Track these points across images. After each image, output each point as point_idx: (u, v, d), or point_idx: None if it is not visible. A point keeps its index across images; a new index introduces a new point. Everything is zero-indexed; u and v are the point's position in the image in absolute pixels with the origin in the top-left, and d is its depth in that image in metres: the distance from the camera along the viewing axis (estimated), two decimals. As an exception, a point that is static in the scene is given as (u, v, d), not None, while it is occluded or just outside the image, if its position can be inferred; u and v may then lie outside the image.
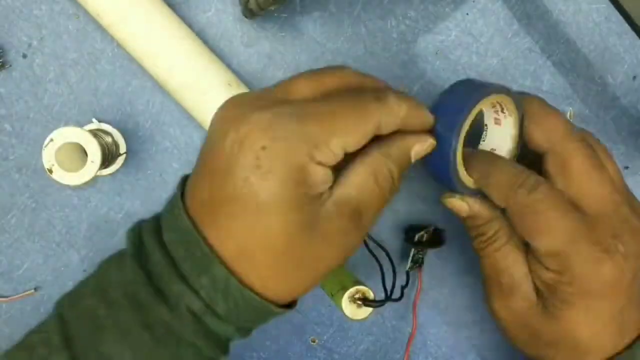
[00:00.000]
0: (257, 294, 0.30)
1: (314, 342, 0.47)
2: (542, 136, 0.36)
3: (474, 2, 0.44)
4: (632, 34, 0.43)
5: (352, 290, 0.39)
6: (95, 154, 0.38)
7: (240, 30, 0.43)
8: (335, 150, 0.30)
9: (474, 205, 0.37)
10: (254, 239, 0.29)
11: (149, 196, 0.44)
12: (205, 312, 0.30)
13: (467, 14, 0.44)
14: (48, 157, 0.38)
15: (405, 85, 0.44)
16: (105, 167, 0.43)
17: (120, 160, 0.43)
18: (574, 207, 0.34)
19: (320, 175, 0.30)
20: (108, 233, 0.45)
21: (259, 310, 0.31)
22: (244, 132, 0.29)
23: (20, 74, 0.43)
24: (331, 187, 0.30)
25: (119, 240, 0.45)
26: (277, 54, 0.44)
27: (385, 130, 0.31)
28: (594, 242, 0.33)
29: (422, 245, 0.44)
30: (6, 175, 0.44)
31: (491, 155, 0.37)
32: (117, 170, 0.44)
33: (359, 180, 0.31)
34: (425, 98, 0.44)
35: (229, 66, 0.43)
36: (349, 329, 0.47)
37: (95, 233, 0.45)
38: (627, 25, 0.39)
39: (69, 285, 0.45)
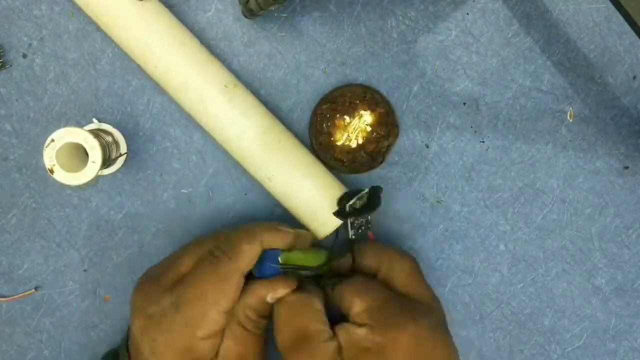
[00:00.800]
0: None
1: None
2: (370, 261, 0.41)
3: (474, 2, 0.44)
4: (632, 34, 0.43)
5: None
6: (96, 154, 0.38)
7: (240, 30, 0.43)
8: (215, 318, 0.37)
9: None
10: None
11: (149, 196, 0.44)
12: None
13: (467, 13, 0.44)
14: (49, 158, 0.38)
15: (406, 85, 0.44)
16: (106, 167, 0.43)
17: (120, 160, 0.43)
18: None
19: (207, 347, 0.37)
20: (108, 233, 0.45)
21: None
22: (141, 324, 0.37)
23: (20, 74, 0.43)
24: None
25: (119, 240, 0.45)
26: (277, 54, 0.44)
27: (254, 260, 0.39)
28: (399, 312, 0.38)
29: (356, 214, 0.41)
30: (6, 175, 0.44)
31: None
32: (118, 170, 0.44)
33: (231, 332, 0.38)
34: (425, 98, 0.45)
35: (229, 66, 0.43)
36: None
37: (95, 233, 0.45)
38: (627, 25, 0.39)
39: (69, 285, 0.45)
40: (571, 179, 0.46)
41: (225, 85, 0.41)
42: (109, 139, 0.42)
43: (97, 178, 0.43)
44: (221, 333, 0.38)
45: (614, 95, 0.45)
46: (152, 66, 0.41)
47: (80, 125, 0.43)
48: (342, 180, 0.44)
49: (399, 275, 0.40)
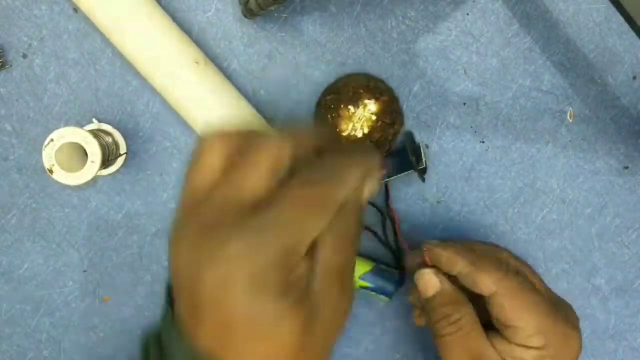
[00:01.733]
0: None
1: (314, 342, 0.47)
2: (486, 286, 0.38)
3: (474, 2, 0.44)
4: (632, 34, 0.43)
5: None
6: (95, 154, 0.38)
7: (240, 30, 0.43)
8: (313, 233, 0.27)
9: (445, 283, 0.38)
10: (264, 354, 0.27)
11: (149, 196, 0.44)
12: None
13: (467, 14, 0.44)
14: (48, 157, 0.38)
15: (406, 85, 0.44)
16: (106, 167, 0.43)
17: (120, 161, 0.43)
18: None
19: (304, 267, 0.28)
20: (108, 233, 0.45)
21: None
22: (223, 273, 0.26)
23: (20, 74, 0.43)
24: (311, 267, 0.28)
25: (119, 240, 0.45)
26: (277, 54, 0.44)
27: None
28: (564, 320, 0.37)
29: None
30: (6, 175, 0.44)
31: (469, 248, 0.39)
32: (117, 170, 0.44)
33: (330, 239, 0.28)
34: (425, 98, 0.45)
35: (228, 66, 0.43)
36: (349, 329, 0.47)
37: (95, 233, 0.45)
38: (627, 25, 0.39)
39: (69, 285, 0.45)
40: (571, 179, 0.46)
41: (196, 62, 0.40)
42: (109, 139, 0.42)
43: (97, 178, 0.43)
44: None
45: (613, 95, 0.45)
46: (121, 42, 0.40)
47: (80, 125, 0.43)
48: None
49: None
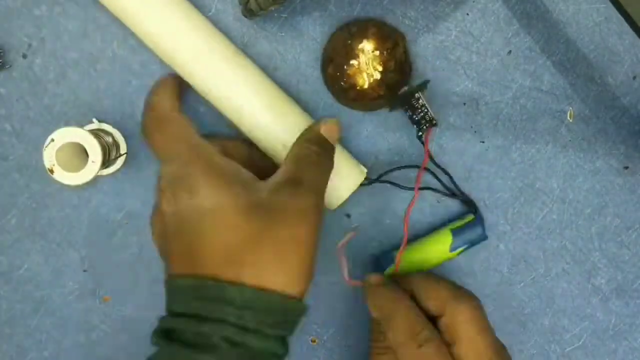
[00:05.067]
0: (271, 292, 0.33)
1: (314, 342, 0.47)
2: (432, 305, 0.39)
3: (474, 2, 0.44)
4: (632, 34, 0.43)
5: None
6: (96, 154, 0.38)
7: (240, 30, 0.43)
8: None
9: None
10: (235, 244, 0.34)
11: (149, 196, 0.44)
12: (239, 332, 0.32)
13: (467, 13, 0.44)
14: (49, 157, 0.38)
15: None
16: (106, 167, 0.43)
17: (120, 161, 0.43)
18: None
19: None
20: (108, 233, 0.45)
21: (278, 306, 0.33)
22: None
23: (20, 74, 0.43)
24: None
25: (119, 240, 0.45)
26: (277, 54, 0.44)
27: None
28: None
29: (409, 94, 0.42)
30: (6, 175, 0.44)
31: (394, 297, 0.40)
32: (118, 170, 0.44)
33: (287, 160, 0.38)
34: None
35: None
36: (349, 329, 0.47)
37: (95, 233, 0.45)
38: (627, 25, 0.39)
39: (69, 285, 0.45)
40: (571, 179, 0.46)
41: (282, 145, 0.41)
42: (109, 139, 0.42)
43: (97, 178, 0.43)
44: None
45: (614, 95, 0.45)
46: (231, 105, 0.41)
47: (80, 125, 0.43)
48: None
49: (464, 324, 0.38)
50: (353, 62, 0.42)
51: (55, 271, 0.45)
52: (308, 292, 0.35)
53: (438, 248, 0.44)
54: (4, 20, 0.42)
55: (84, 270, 0.45)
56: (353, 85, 0.42)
